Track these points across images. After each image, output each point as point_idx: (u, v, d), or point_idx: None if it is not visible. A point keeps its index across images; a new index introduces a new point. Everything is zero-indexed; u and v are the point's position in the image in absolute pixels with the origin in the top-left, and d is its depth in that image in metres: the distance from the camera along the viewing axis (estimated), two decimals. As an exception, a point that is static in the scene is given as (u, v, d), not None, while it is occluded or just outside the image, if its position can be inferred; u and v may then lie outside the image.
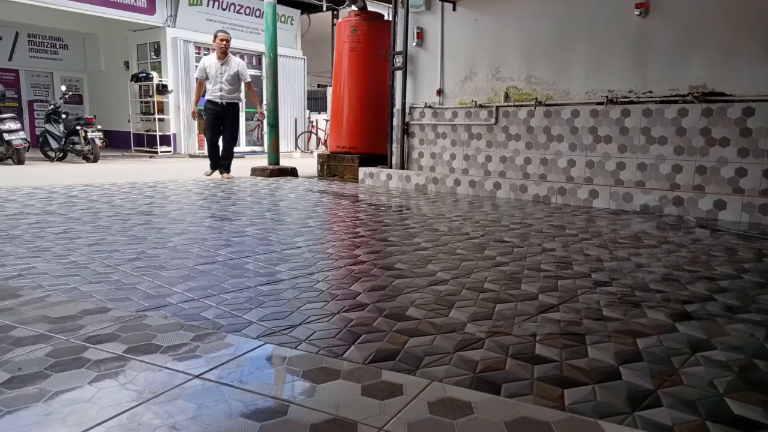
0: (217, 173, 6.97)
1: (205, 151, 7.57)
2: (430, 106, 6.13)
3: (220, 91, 6.69)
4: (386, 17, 7.26)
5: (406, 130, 6.35)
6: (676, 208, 4.36)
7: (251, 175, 7.33)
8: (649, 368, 1.44)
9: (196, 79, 6.85)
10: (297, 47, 15.43)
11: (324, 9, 14.64)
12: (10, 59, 13.46)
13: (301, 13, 15.31)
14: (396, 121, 6.38)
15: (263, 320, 1.74)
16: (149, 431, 1.09)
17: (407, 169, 6.38)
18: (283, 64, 12.77)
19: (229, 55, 6.77)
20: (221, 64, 6.70)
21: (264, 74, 12.24)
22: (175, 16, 12.82)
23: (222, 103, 6.72)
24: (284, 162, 7.92)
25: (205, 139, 7.16)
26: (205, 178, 6.80)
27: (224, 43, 6.65)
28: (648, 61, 4.66)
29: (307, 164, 9.30)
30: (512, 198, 5.25)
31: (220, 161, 6.94)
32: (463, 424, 1.14)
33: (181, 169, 8.57)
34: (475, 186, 5.55)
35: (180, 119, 13.07)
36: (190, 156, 12.61)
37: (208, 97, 6.73)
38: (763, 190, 4.18)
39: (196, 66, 13.25)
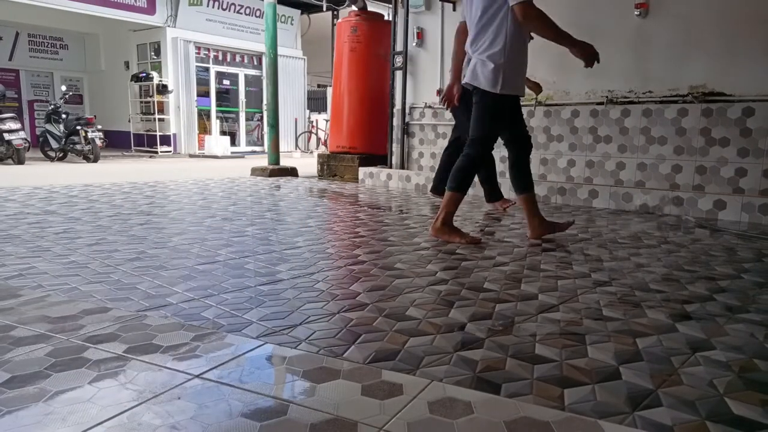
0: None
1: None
2: (430, 106, 6.12)
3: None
4: (386, 17, 7.26)
5: (406, 130, 6.34)
6: (676, 208, 4.36)
7: (251, 175, 7.33)
8: (649, 368, 1.44)
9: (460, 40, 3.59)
10: (297, 47, 15.45)
11: (324, 9, 14.65)
12: (10, 59, 13.46)
13: (301, 13, 15.32)
14: (396, 121, 6.38)
15: (263, 320, 1.74)
16: (149, 431, 1.09)
17: (407, 169, 6.38)
18: (283, 64, 12.77)
19: None
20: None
21: (264, 74, 12.25)
22: (176, 16, 12.84)
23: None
24: (284, 162, 7.92)
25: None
26: (498, 210, 4.53)
27: None
28: (648, 61, 4.66)
29: (307, 164, 9.30)
30: (512, 198, 5.24)
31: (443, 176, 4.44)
32: (463, 424, 1.14)
33: (182, 170, 8.58)
34: (474, 186, 5.54)
35: (180, 119, 13.07)
36: (191, 156, 12.61)
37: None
38: (763, 190, 4.18)
39: (197, 66, 13.42)
